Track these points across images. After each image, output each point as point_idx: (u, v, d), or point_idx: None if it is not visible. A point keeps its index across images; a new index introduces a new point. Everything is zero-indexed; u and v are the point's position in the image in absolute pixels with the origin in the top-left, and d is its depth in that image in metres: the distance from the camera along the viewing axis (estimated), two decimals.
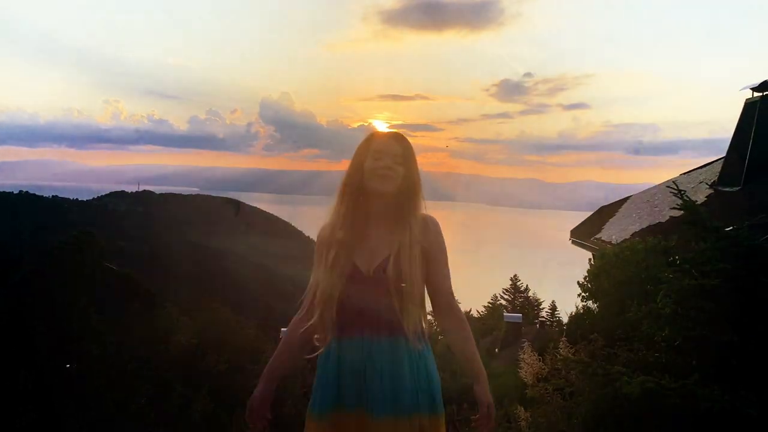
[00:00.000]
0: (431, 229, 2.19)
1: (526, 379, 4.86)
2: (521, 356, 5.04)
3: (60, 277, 4.92)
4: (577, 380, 3.94)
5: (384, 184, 2.14)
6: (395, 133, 2.26)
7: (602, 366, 3.52)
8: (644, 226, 12.62)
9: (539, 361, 4.88)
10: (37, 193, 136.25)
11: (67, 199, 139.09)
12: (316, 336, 2.14)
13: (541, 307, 47.00)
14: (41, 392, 4.18)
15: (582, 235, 15.36)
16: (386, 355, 2.05)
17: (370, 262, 2.11)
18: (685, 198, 4.53)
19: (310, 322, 2.11)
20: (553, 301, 45.25)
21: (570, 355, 4.17)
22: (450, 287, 2.23)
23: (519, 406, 4.40)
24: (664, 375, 3.49)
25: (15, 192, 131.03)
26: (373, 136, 2.26)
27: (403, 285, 2.06)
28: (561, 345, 4.70)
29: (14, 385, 3.79)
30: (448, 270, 2.23)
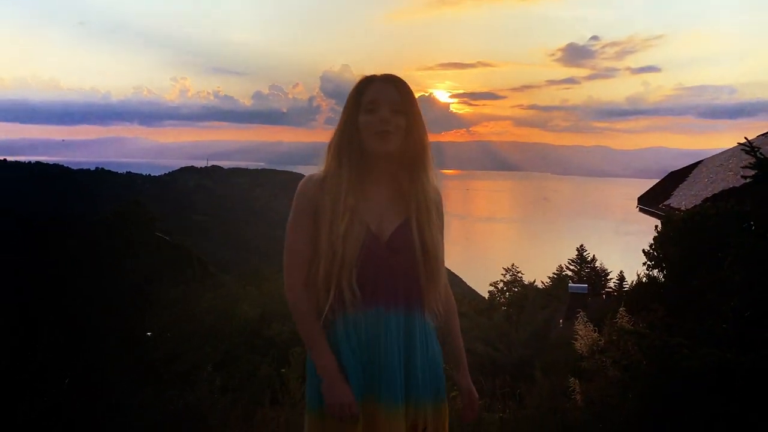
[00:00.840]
0: (439, 195, 1.99)
1: (580, 351, 4.63)
2: (576, 326, 4.81)
3: (109, 247, 4.98)
4: (634, 352, 3.68)
5: (383, 144, 1.86)
6: (390, 76, 1.91)
7: (660, 338, 3.24)
8: (717, 192, 11.91)
9: (595, 331, 4.63)
10: (112, 170, 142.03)
11: (141, 175, 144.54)
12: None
13: (608, 277, 45.93)
14: (91, 360, 4.25)
15: (650, 202, 14.70)
16: (402, 331, 1.83)
17: (382, 227, 1.88)
18: (758, 155, 4.14)
19: (329, 301, 1.82)
20: (621, 272, 44.09)
21: (628, 325, 3.90)
22: (444, 262, 2.00)
23: (573, 379, 4.19)
24: (731, 348, 3.20)
25: (92, 169, 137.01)
26: (363, 83, 1.92)
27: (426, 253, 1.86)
28: (619, 315, 4.43)
29: (57, 352, 3.86)
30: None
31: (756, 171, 4.18)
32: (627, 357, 3.61)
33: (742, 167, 4.28)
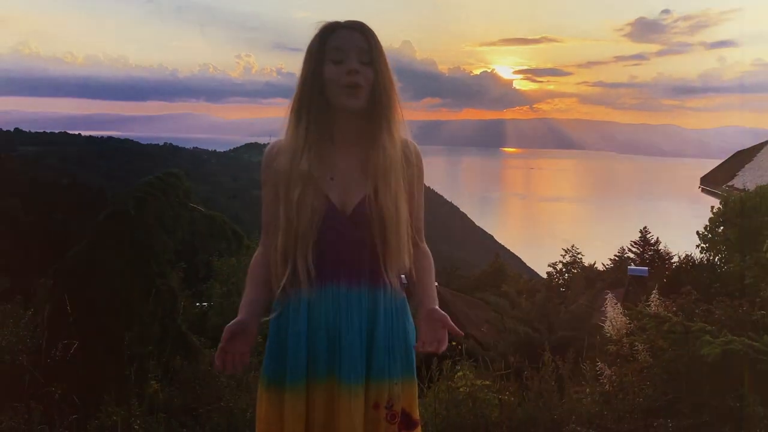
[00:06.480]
0: (413, 152, 1.80)
1: (608, 334, 4.43)
2: (604, 309, 4.60)
3: (142, 220, 5.04)
4: (658, 338, 3.47)
5: (352, 99, 1.68)
6: (356, 22, 1.73)
7: (681, 322, 3.03)
8: None
9: (623, 314, 4.41)
10: (179, 146, 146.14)
11: (206, 150, 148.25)
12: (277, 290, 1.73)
13: (672, 261, 44.40)
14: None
15: (713, 182, 14.03)
16: (365, 308, 1.71)
17: (345, 196, 1.73)
18: None
19: (284, 279, 1.70)
20: (686, 254, 42.46)
21: (647, 308, 3.69)
22: (422, 224, 1.86)
23: (599, 362, 4.00)
24: (764, 336, 2.97)
25: (160, 144, 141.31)
26: (327, 30, 1.73)
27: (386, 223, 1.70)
28: (651, 298, 4.20)
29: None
30: (423, 203, 1.86)
31: None
32: (651, 341, 3.42)
33: None
